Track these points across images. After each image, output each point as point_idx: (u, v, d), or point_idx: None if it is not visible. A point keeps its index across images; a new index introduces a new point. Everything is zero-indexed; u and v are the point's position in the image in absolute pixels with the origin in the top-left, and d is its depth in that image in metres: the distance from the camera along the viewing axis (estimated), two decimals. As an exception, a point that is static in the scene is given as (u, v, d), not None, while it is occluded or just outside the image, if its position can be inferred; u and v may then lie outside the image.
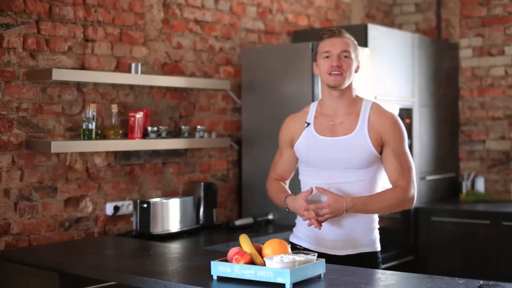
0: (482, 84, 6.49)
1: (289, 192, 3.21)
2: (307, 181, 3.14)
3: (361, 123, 3.07)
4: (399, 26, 6.99)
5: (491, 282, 2.46)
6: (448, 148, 6.46)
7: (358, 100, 3.15)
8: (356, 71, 3.12)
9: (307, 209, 2.96)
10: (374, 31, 5.36)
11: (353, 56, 3.08)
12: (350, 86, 3.11)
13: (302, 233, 3.17)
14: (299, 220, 3.22)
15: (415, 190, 3.10)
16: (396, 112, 5.63)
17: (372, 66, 5.11)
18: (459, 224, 5.75)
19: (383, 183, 3.15)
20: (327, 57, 3.06)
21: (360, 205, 2.99)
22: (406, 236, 5.88)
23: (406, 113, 5.80)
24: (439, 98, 6.28)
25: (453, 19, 6.66)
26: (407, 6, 7.00)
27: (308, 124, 3.16)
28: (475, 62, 6.53)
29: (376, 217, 3.16)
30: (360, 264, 2.98)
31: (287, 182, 3.33)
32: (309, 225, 2.98)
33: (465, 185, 6.29)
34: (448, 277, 2.63)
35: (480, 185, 6.28)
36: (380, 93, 5.33)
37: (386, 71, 5.48)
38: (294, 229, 3.25)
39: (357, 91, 3.21)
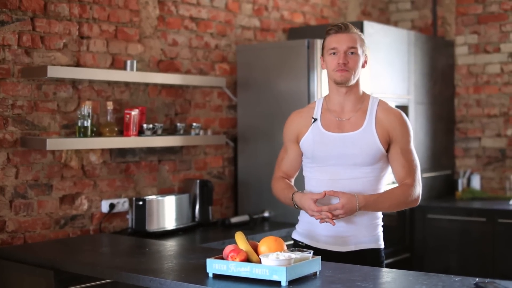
0: (478, 82, 6.50)
1: (295, 188, 3.18)
2: (312, 176, 3.13)
3: (369, 119, 3.05)
4: (395, 23, 6.99)
5: (487, 280, 2.46)
6: (444, 146, 6.46)
7: (365, 97, 3.14)
8: (363, 67, 3.10)
9: (319, 211, 2.92)
10: (370, 28, 5.35)
11: (360, 52, 3.06)
12: (357, 82, 3.09)
13: (304, 230, 3.16)
14: (301, 217, 3.20)
15: (421, 188, 3.11)
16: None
17: (368, 63, 5.10)
18: (455, 222, 5.75)
19: (387, 181, 3.14)
20: (334, 53, 3.03)
21: (371, 203, 2.97)
22: (402, 234, 5.88)
23: (402, 111, 5.79)
24: (435, 95, 6.28)
25: (449, 17, 6.66)
26: (403, 3, 7.00)
27: (315, 119, 3.13)
28: (471, 60, 6.53)
29: (379, 214, 3.15)
30: (363, 261, 2.97)
31: (293, 180, 3.28)
32: (322, 222, 2.95)
33: (461, 183, 6.29)
34: (444, 275, 2.63)
35: (476, 183, 6.28)
36: (376, 90, 5.33)
37: (382, 68, 5.48)
38: (297, 226, 3.24)
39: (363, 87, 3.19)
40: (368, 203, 2.96)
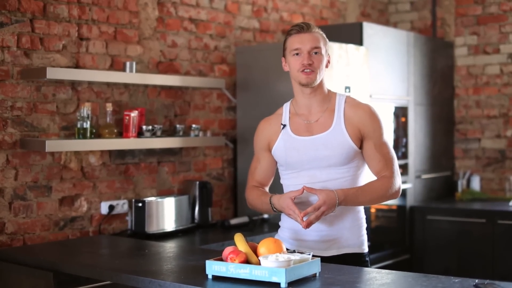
0: (478, 83, 6.50)
1: (270, 193, 3.11)
2: (289, 183, 3.09)
3: (337, 118, 3.01)
4: (394, 25, 6.99)
5: (487, 281, 2.46)
6: (444, 147, 6.47)
7: (331, 95, 3.08)
8: (326, 67, 3.04)
9: (305, 214, 2.85)
10: (369, 29, 5.35)
11: (323, 51, 3.00)
12: (321, 82, 3.04)
13: (286, 236, 3.12)
14: (283, 223, 3.16)
15: (400, 180, 3.06)
16: (391, 111, 5.65)
17: (367, 64, 5.11)
18: (455, 223, 5.76)
19: (367, 179, 3.11)
20: (297, 54, 2.99)
21: (351, 197, 2.92)
22: (401, 235, 5.88)
23: (401, 112, 5.81)
24: (435, 96, 6.28)
25: (448, 18, 6.66)
26: (402, 5, 7.00)
27: (284, 125, 3.09)
28: (471, 61, 6.53)
29: (362, 215, 3.11)
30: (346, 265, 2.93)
31: (267, 188, 3.22)
32: (305, 227, 2.87)
33: (461, 184, 6.29)
34: (444, 276, 2.63)
35: (476, 184, 6.28)
36: (376, 92, 5.33)
37: (381, 70, 5.48)
38: (279, 231, 3.19)
39: (328, 85, 3.13)
40: (348, 197, 2.91)
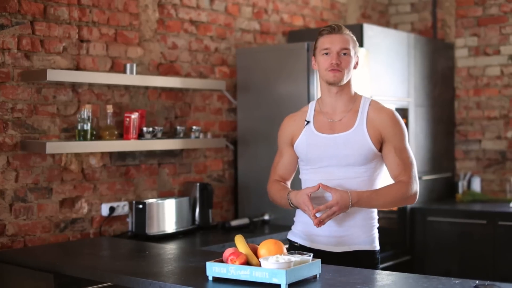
0: (478, 84, 6.50)
1: (290, 189, 3.19)
2: (307, 178, 3.15)
3: (360, 119, 3.07)
4: (395, 26, 6.99)
5: (487, 282, 2.46)
6: (444, 148, 6.46)
7: (356, 97, 3.16)
8: (354, 68, 3.12)
9: (317, 211, 2.93)
10: (370, 31, 5.35)
11: (352, 53, 3.08)
12: (348, 83, 3.11)
13: (299, 230, 3.18)
14: (297, 218, 3.22)
15: (418, 185, 3.12)
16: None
17: (367, 66, 5.11)
18: (455, 224, 5.75)
19: (383, 181, 3.14)
20: (327, 53, 3.06)
21: (365, 199, 2.99)
22: (402, 236, 5.87)
23: (402, 113, 5.79)
24: (435, 98, 6.28)
25: (448, 19, 6.66)
26: (402, 6, 7.00)
27: (308, 122, 3.15)
28: (471, 62, 6.53)
29: (375, 215, 3.16)
30: (357, 262, 2.98)
31: (289, 183, 3.30)
32: (318, 226, 2.95)
33: (461, 185, 6.28)
34: (444, 277, 2.63)
35: (476, 185, 6.28)
36: (376, 93, 5.33)
37: (382, 71, 5.48)
38: (292, 227, 3.25)
39: (356, 89, 3.21)
40: (361, 199, 2.98)
